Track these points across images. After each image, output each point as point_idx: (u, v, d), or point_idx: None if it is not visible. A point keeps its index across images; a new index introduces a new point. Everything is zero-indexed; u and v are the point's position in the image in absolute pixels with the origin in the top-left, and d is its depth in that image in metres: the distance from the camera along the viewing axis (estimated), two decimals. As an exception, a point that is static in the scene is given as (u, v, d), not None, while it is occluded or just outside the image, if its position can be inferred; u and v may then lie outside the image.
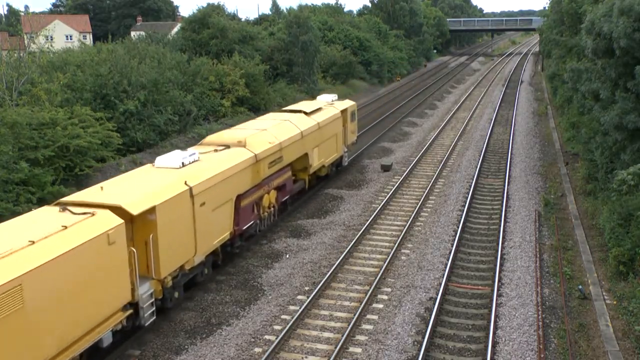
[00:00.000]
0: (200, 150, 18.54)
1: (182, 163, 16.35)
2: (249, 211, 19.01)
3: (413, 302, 16.30)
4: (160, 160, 16.70)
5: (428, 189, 26.29)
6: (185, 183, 15.27)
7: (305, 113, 24.90)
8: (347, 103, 29.76)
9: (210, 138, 20.37)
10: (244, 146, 19.16)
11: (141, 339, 14.47)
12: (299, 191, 24.25)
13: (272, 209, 21.10)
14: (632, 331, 14.29)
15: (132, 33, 71.32)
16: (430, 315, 15.26)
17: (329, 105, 27.66)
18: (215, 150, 18.50)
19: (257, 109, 40.92)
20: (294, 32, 48.09)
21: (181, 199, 14.92)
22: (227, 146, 19.12)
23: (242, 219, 18.39)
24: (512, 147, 35.02)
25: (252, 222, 19.20)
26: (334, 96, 30.11)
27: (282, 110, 26.79)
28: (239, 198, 18.17)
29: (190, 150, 17.96)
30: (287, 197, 22.57)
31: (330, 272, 17.78)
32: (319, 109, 26.14)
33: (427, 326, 14.66)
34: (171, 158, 16.58)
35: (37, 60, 28.80)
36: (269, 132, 21.10)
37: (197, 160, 17.00)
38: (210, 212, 16.32)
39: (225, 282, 17.70)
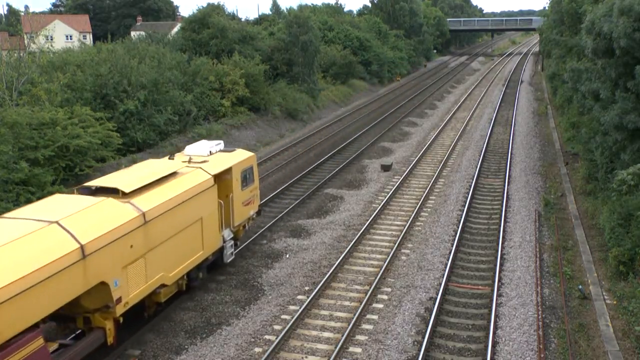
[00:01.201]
0: None
1: None
2: None
3: (413, 302, 16.30)
4: None
5: (428, 188, 26.29)
6: None
7: (123, 194, 13.65)
8: (236, 157, 18.04)
9: None
10: None
11: (141, 339, 14.47)
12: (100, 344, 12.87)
13: None
14: (632, 331, 14.30)
15: (132, 33, 71.33)
16: (430, 315, 15.26)
17: (194, 167, 16.27)
18: None
19: (257, 109, 41.01)
20: (294, 32, 48.06)
21: None
22: None
23: None
24: (512, 147, 35.02)
25: None
26: (216, 144, 18.40)
27: (80, 188, 14.30)
28: None
29: None
30: None
31: (330, 272, 17.78)
32: (161, 180, 14.75)
33: (427, 326, 14.68)
34: None
35: (37, 60, 28.78)
36: None
37: None
38: None
39: (225, 282, 17.69)
